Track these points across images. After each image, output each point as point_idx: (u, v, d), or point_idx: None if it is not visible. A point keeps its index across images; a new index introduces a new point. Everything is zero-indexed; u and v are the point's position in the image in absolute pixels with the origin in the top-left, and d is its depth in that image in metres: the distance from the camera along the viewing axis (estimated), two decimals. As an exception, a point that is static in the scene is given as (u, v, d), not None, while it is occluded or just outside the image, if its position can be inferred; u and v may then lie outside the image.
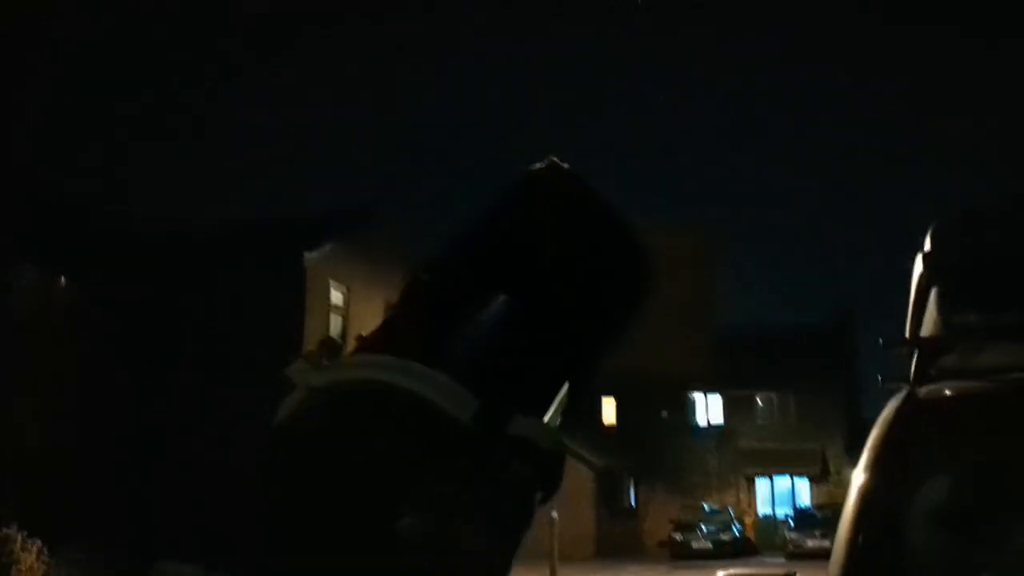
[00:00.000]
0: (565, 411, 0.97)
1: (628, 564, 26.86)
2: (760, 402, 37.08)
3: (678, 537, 30.63)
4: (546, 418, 0.92)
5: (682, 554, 29.41)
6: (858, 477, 2.36)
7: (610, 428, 34.86)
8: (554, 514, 22.86)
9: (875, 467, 2.33)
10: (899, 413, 2.52)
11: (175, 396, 17.30)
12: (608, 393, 35.36)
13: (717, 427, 37.25)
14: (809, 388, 34.10)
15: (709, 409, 37.98)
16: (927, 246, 3.06)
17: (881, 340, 3.51)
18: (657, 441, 34.97)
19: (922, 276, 3.10)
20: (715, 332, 36.62)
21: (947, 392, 2.67)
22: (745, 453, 35.58)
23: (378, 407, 0.72)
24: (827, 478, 33.85)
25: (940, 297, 3.05)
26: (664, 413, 36.61)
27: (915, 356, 3.33)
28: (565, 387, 0.93)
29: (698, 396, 38.00)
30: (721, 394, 37.51)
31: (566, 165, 1.00)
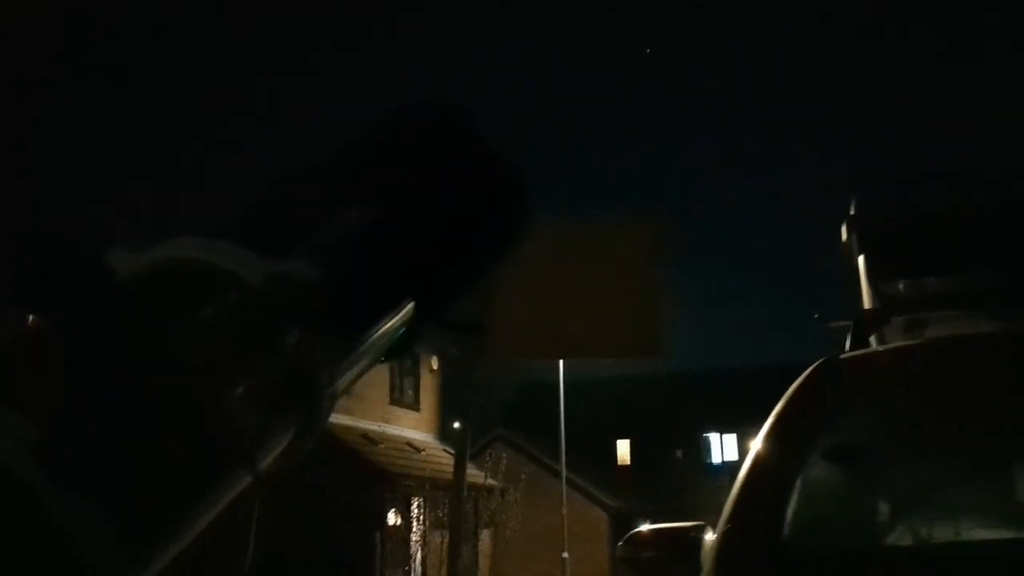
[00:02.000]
0: (410, 328, 0.98)
1: (644, 606, 26.37)
2: (775, 439, 36.54)
3: (696, 579, 30.10)
4: (381, 327, 0.92)
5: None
6: (763, 430, 2.34)
7: (624, 468, 34.54)
8: (565, 555, 22.54)
9: (778, 418, 2.31)
10: (810, 375, 2.52)
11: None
12: (622, 433, 35.12)
13: (732, 465, 36.82)
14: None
15: (724, 447, 37.62)
16: (852, 210, 3.06)
17: (816, 315, 3.50)
18: (672, 480, 34.59)
19: (847, 244, 3.09)
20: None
21: (861, 354, 2.65)
22: (762, 492, 34.99)
23: (178, 281, 0.74)
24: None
25: (868, 265, 3.04)
26: (679, 452, 36.28)
27: (851, 329, 3.32)
28: (409, 304, 0.94)
29: (713, 435, 37.67)
30: (736, 432, 37.15)
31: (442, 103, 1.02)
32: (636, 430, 34.71)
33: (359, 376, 0.97)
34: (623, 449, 35.60)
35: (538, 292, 3.58)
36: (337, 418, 19.02)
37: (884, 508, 2.04)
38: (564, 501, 23.36)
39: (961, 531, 1.76)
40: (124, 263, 0.77)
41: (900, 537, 1.90)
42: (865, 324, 3.14)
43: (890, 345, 2.72)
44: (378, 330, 0.90)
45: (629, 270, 3.57)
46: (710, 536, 2.40)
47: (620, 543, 2.39)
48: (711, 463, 37.36)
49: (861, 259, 2.96)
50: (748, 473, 2.11)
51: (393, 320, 0.91)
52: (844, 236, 3.02)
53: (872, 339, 3.16)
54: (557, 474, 24.92)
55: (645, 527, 2.46)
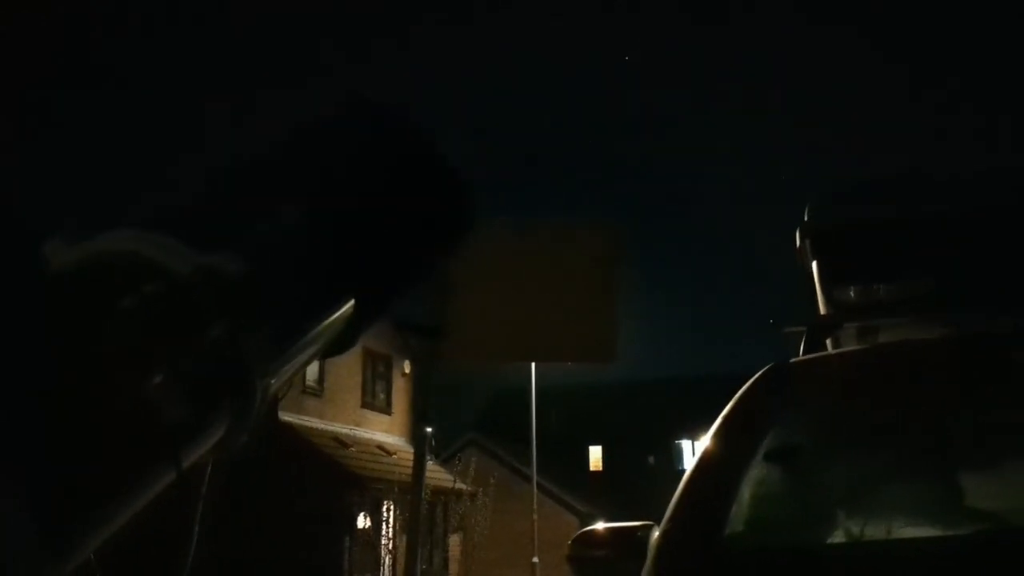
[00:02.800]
0: (351, 326, 0.98)
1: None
2: (746, 446, 36.72)
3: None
4: (320, 323, 0.93)
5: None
6: (710, 431, 2.38)
7: (596, 474, 34.61)
8: (535, 559, 22.60)
9: (726, 420, 2.35)
10: (759, 379, 2.56)
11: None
12: (595, 439, 35.20)
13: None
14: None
15: (696, 454, 37.72)
16: (805, 216, 3.11)
17: (772, 321, 3.54)
18: (643, 487, 34.65)
19: (801, 250, 3.14)
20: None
21: (810, 359, 2.70)
22: (732, 498, 35.12)
23: (107, 273, 0.75)
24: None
25: (821, 272, 3.09)
26: (651, 459, 36.38)
27: (805, 335, 3.37)
28: (350, 302, 0.95)
29: (685, 442, 37.82)
30: (707, 439, 37.27)
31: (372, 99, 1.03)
32: (608, 436, 34.83)
33: (298, 371, 0.98)
34: (595, 455, 35.70)
35: (493, 295, 3.61)
36: (308, 420, 18.92)
37: (824, 507, 2.09)
38: (535, 507, 23.37)
39: (895, 529, 1.80)
40: (59, 254, 0.78)
41: (837, 535, 1.94)
42: (818, 330, 3.20)
43: (836, 350, 2.77)
44: (317, 326, 0.91)
45: (585, 274, 3.62)
46: (657, 532, 2.43)
47: (570, 541, 2.42)
48: (682, 469, 37.27)
49: (814, 265, 3.01)
50: (693, 472, 2.15)
51: (332, 316, 0.92)
52: (798, 243, 3.07)
53: (828, 344, 3.21)
54: (529, 479, 24.96)
55: (596, 526, 2.49)
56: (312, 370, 20.65)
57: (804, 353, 3.31)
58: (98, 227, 0.81)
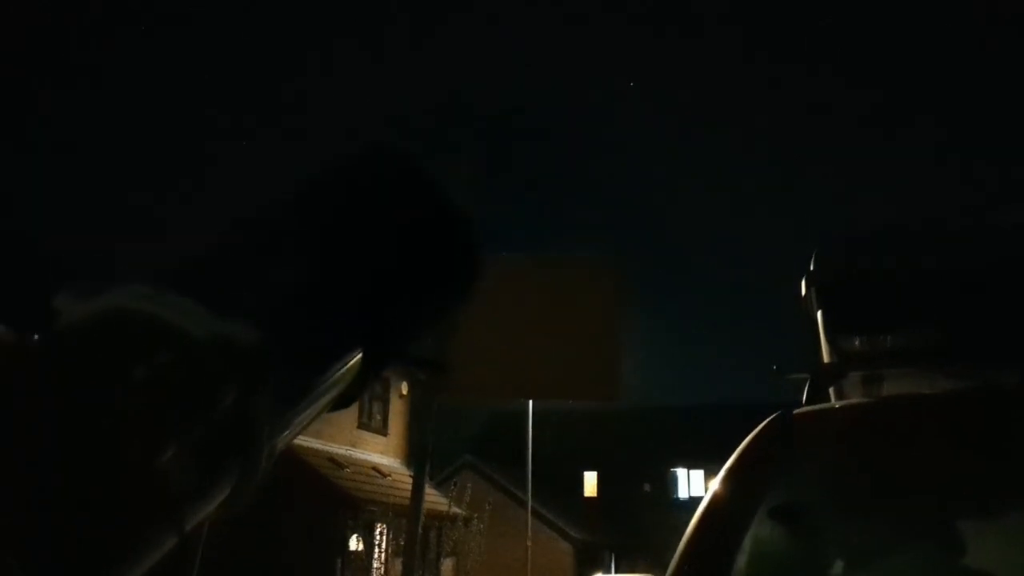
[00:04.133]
0: (358, 379, 0.97)
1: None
2: (743, 477, 36.67)
3: (658, 614, 30.02)
4: (328, 379, 0.91)
5: (661, 632, 28.72)
6: (714, 483, 2.35)
7: (591, 500, 34.46)
8: (528, 585, 22.45)
9: (730, 473, 2.32)
10: (763, 430, 2.53)
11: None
12: (590, 466, 35.08)
13: (699, 501, 36.73)
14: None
15: (691, 483, 37.67)
16: (811, 266, 3.09)
17: (775, 367, 3.52)
18: (639, 514, 34.54)
19: (806, 299, 3.13)
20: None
21: (814, 410, 2.67)
22: (727, 529, 35.01)
23: (120, 333, 0.73)
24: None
25: (825, 321, 3.07)
26: (646, 487, 36.26)
27: (808, 382, 3.35)
28: (358, 355, 0.93)
29: (680, 471, 37.71)
30: (703, 468, 37.21)
31: (392, 149, 1.01)
32: (604, 463, 34.71)
33: (305, 427, 0.97)
34: (590, 481, 35.54)
35: (494, 332, 3.60)
36: (305, 440, 18.84)
37: (830, 570, 2.06)
38: (529, 533, 23.21)
39: None
40: (69, 308, 0.76)
41: None
42: (822, 378, 3.18)
43: (843, 402, 2.74)
44: (324, 382, 0.89)
45: (588, 311, 3.60)
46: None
47: None
48: (678, 498, 37.38)
49: (819, 314, 2.99)
50: (695, 528, 2.12)
51: (340, 371, 0.91)
52: (803, 291, 3.06)
53: (831, 392, 3.19)
54: (524, 504, 24.80)
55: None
56: (309, 389, 20.55)
57: (807, 401, 3.29)
58: (107, 279, 0.79)
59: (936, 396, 2.55)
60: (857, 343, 3.03)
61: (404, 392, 23.14)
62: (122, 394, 0.69)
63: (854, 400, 2.80)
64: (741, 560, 2.04)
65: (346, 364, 0.90)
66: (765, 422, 2.61)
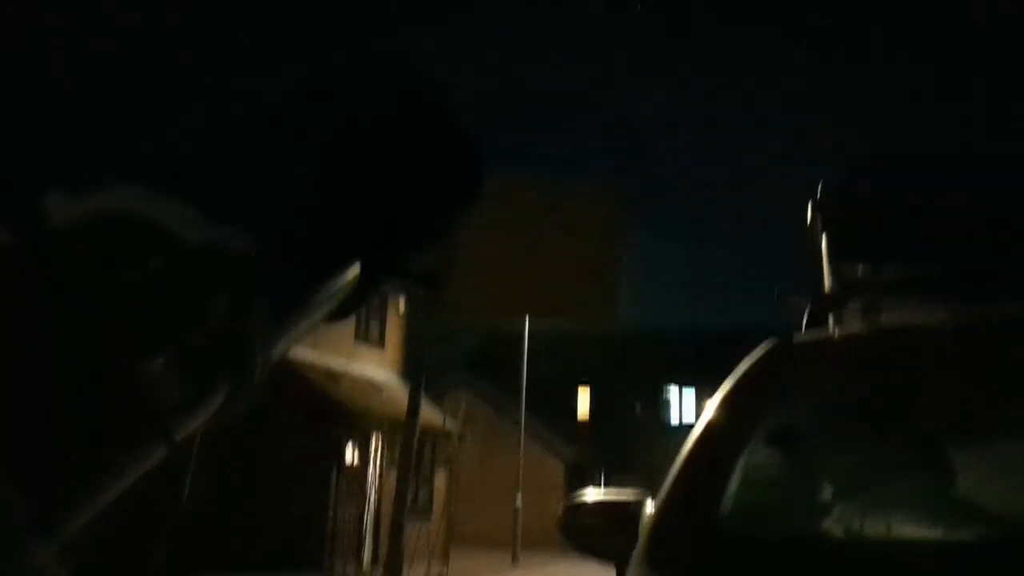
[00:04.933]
0: (355, 290, 0.94)
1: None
2: (734, 400, 37.13)
3: (645, 531, 30.68)
4: (325, 290, 0.88)
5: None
6: (709, 407, 2.36)
7: (583, 420, 34.93)
8: (518, 503, 22.92)
9: (726, 398, 2.32)
10: (761, 356, 2.53)
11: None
12: (582, 385, 35.45)
13: (690, 424, 37.30)
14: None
15: (683, 404, 38.14)
16: (818, 195, 3.06)
17: (776, 291, 3.51)
18: (629, 435, 35.05)
19: (812, 225, 3.09)
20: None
21: (814, 338, 2.67)
22: (717, 450, 35.58)
23: (111, 236, 0.70)
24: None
25: (829, 248, 3.05)
26: (638, 407, 36.71)
27: (807, 307, 3.34)
28: (356, 266, 0.90)
29: (672, 388, 38.14)
30: (695, 389, 37.65)
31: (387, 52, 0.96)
32: (597, 383, 35.05)
33: (301, 339, 0.95)
34: (583, 401, 35.96)
35: (494, 252, 3.57)
36: (301, 353, 18.97)
37: (822, 497, 2.06)
38: (521, 450, 23.60)
39: (893, 526, 1.78)
40: (60, 208, 0.73)
41: (834, 528, 1.92)
42: (822, 305, 3.17)
43: (842, 331, 2.73)
44: (321, 293, 0.87)
45: (586, 236, 3.57)
46: (650, 506, 2.42)
47: (562, 509, 2.41)
48: (669, 419, 37.93)
49: (823, 241, 2.97)
50: (690, 451, 2.12)
51: (337, 283, 0.88)
52: (809, 217, 3.02)
53: (830, 319, 3.19)
54: (516, 421, 25.14)
55: (587, 496, 2.48)
56: (306, 303, 20.60)
57: (806, 327, 3.28)
58: (101, 180, 0.76)
59: (939, 328, 2.54)
60: (860, 272, 3.01)
61: (401, 308, 23.21)
62: (110, 301, 0.67)
63: (854, 329, 2.79)
64: (733, 484, 2.05)
65: (344, 274, 0.88)
66: (763, 347, 2.60)
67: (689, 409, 37.99)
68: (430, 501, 19.96)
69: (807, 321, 3.36)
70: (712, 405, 2.30)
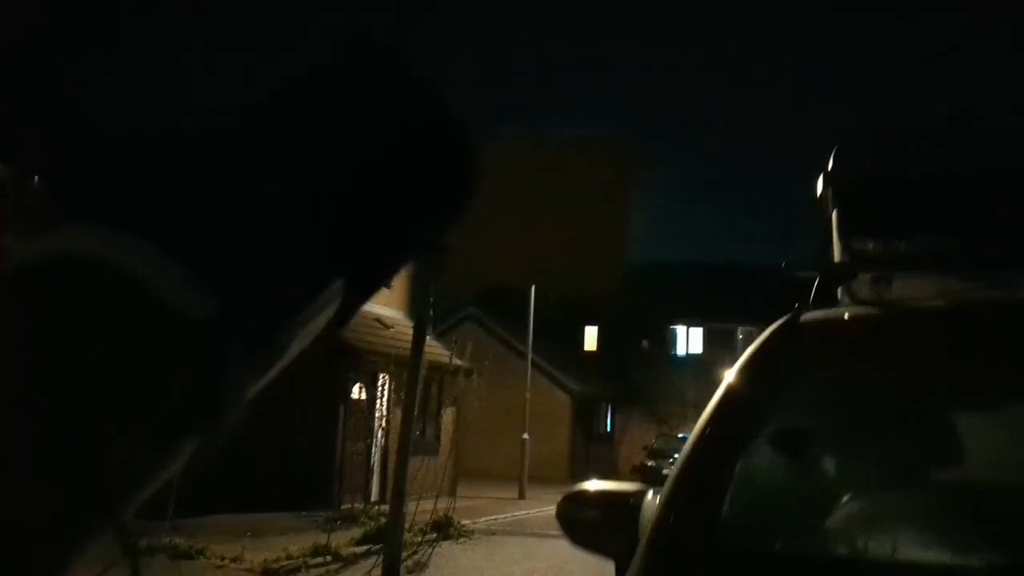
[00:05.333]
0: (341, 310, 0.86)
1: (599, 488, 27.24)
2: (740, 335, 37.33)
3: (650, 463, 31.07)
4: (307, 317, 0.81)
5: (653, 480, 29.85)
6: (729, 375, 2.29)
7: (590, 354, 35.09)
8: (525, 436, 23.14)
9: (745, 370, 2.25)
10: (778, 331, 2.46)
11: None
12: (591, 321, 35.54)
13: (696, 358, 37.52)
14: (790, 324, 34.13)
15: (690, 340, 38.31)
16: (830, 166, 2.94)
17: (784, 264, 3.42)
18: (636, 370, 35.28)
19: (823, 197, 2.99)
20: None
21: (823, 318, 2.58)
22: (723, 385, 35.90)
23: (79, 285, 0.61)
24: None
25: (840, 221, 2.94)
26: (645, 343, 36.88)
27: (816, 280, 3.25)
28: (339, 283, 0.82)
29: (679, 327, 38.27)
30: (702, 326, 37.77)
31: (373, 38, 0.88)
32: (604, 318, 35.10)
33: (280, 370, 0.88)
34: (590, 336, 36.07)
35: (496, 216, 3.47)
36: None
37: (832, 501, 1.99)
38: (528, 385, 23.75)
39: (902, 546, 1.70)
40: (15, 252, 0.65)
41: (841, 543, 1.85)
42: (832, 277, 3.08)
43: (854, 309, 2.64)
44: (303, 320, 0.80)
45: (594, 197, 3.46)
46: (650, 498, 2.37)
47: (560, 499, 2.35)
48: (676, 354, 38.15)
49: (834, 215, 2.86)
50: (692, 451, 2.05)
51: (319, 309, 0.81)
52: (820, 189, 2.91)
53: (839, 292, 3.11)
54: (523, 356, 25.26)
55: (587, 486, 2.42)
56: (312, 240, 20.58)
57: (814, 299, 3.21)
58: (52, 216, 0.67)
59: (955, 309, 2.45)
60: (871, 246, 2.91)
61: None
62: (64, 368, 0.59)
63: (866, 306, 2.71)
64: (738, 485, 1.99)
65: (328, 297, 0.80)
66: (770, 331, 2.52)
67: (696, 343, 38.18)
68: (437, 437, 20.15)
69: (815, 292, 3.28)
70: (718, 395, 2.22)
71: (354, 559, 10.73)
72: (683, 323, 38.20)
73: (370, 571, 9.79)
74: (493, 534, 14.49)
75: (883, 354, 2.34)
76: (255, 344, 0.74)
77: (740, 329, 37.18)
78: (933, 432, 2.19)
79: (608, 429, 35.65)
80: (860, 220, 2.89)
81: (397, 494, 8.83)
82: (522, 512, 18.45)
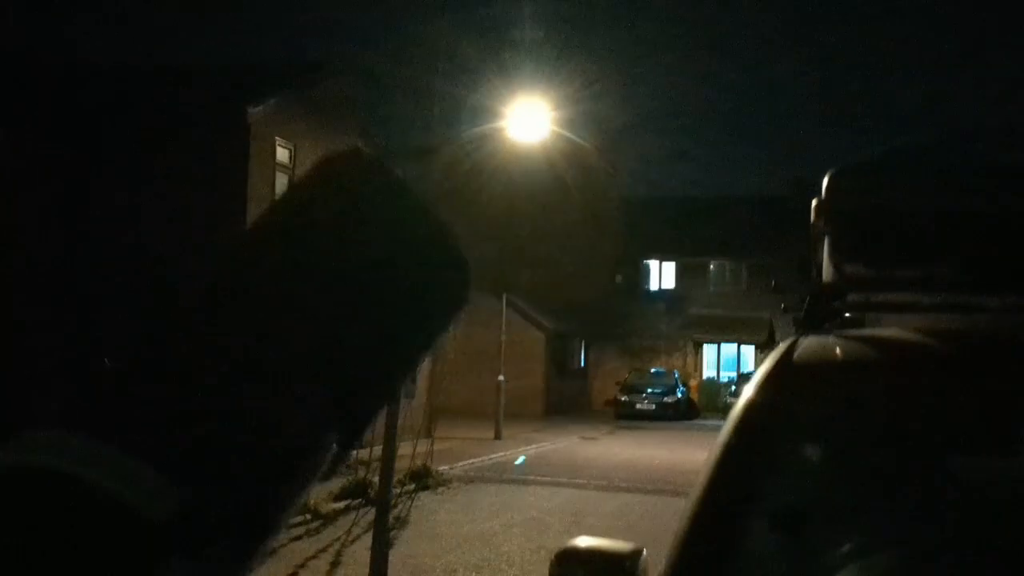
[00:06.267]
0: (335, 459, 0.80)
1: (572, 423, 27.62)
2: (713, 268, 37.57)
3: (623, 398, 31.47)
4: (300, 492, 0.74)
5: (626, 414, 30.32)
6: (747, 391, 2.28)
7: (564, 290, 35.17)
8: (501, 378, 23.27)
9: (760, 391, 2.24)
10: (784, 355, 2.45)
11: (108, 254, 16.95)
12: (564, 256, 35.56)
13: (669, 293, 37.78)
14: (761, 257, 34.39)
15: (663, 275, 38.49)
16: (823, 193, 2.88)
17: (773, 283, 3.38)
18: (611, 305, 35.48)
19: (815, 223, 2.93)
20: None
21: (822, 346, 2.56)
22: (695, 319, 36.25)
23: (23, 499, 0.57)
24: (772, 346, 34.68)
25: (832, 247, 2.90)
26: (618, 277, 37.02)
27: (807, 301, 3.23)
28: (333, 443, 0.76)
29: (653, 262, 38.40)
30: (675, 260, 37.94)
31: (368, 150, 0.80)
32: (578, 254, 35.13)
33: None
34: (564, 272, 36.13)
35: (490, 230, 3.38)
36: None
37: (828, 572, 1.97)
38: (503, 326, 23.81)
39: None
40: None
41: None
42: (822, 299, 3.07)
43: (846, 333, 2.64)
44: (288, 493, 0.74)
45: (575, 208, 3.38)
46: (644, 559, 2.35)
47: (553, 557, 2.31)
48: (649, 289, 38.37)
49: (827, 241, 2.82)
50: (690, 521, 2.01)
51: (308, 475, 0.75)
52: (813, 216, 2.87)
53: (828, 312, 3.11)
54: (498, 295, 25.21)
55: (579, 543, 2.38)
56: (281, 184, 20.30)
57: (804, 318, 3.19)
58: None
59: (945, 340, 2.44)
60: (863, 271, 2.88)
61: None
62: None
63: (861, 329, 2.71)
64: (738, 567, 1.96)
65: (320, 457, 0.74)
66: (783, 348, 2.52)
67: (669, 278, 38.38)
68: (414, 380, 20.21)
69: (806, 311, 3.26)
70: (714, 455, 2.17)
71: (335, 516, 10.80)
72: (656, 258, 38.33)
73: (350, 529, 9.86)
74: (471, 482, 14.65)
75: (884, 385, 2.31)
76: (243, 523, 0.68)
77: (713, 263, 37.44)
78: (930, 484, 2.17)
79: (582, 364, 35.97)
80: (851, 248, 2.86)
81: (387, 457, 8.83)
82: (499, 454, 18.65)
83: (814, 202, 2.89)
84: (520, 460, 11.81)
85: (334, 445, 0.74)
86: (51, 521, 0.57)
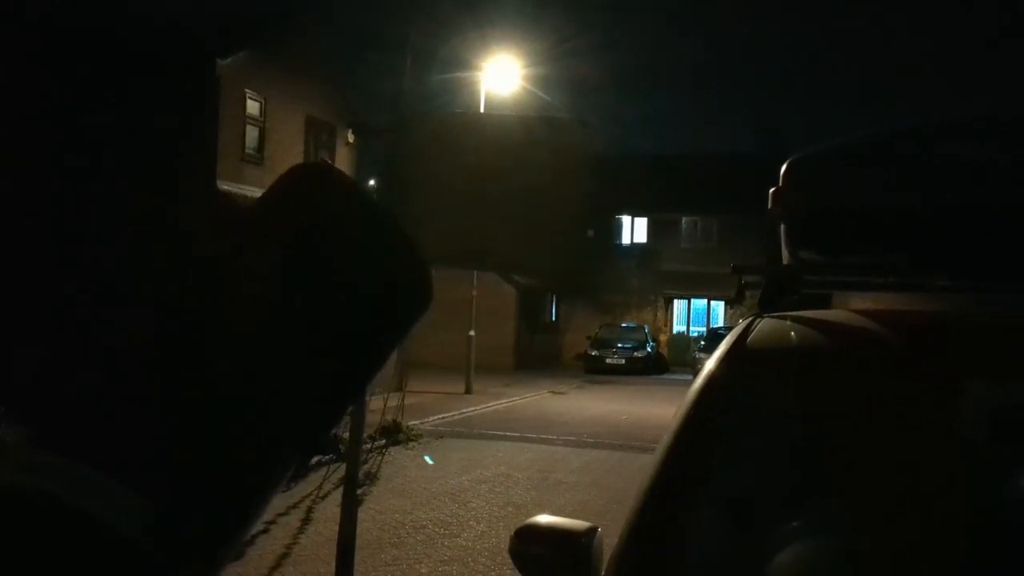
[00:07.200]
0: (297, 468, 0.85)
1: (542, 377, 27.84)
2: (684, 224, 37.70)
3: (593, 352, 31.73)
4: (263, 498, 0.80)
5: (596, 368, 30.60)
6: (709, 364, 2.38)
7: (536, 244, 35.18)
8: (472, 333, 23.38)
9: (716, 372, 2.33)
10: (740, 337, 2.53)
11: (71, 208, 16.73)
12: (537, 211, 35.49)
13: (641, 248, 37.92)
14: (732, 213, 34.54)
15: (635, 231, 38.59)
16: (779, 182, 2.96)
17: (732, 266, 3.46)
18: (581, 259, 35.57)
19: (772, 209, 3.01)
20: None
21: (776, 328, 2.63)
22: (666, 275, 36.47)
23: (19, 525, 0.58)
24: (742, 302, 34.88)
25: (787, 235, 2.98)
26: (590, 232, 37.07)
27: (764, 284, 3.30)
28: (294, 455, 0.80)
29: (625, 218, 38.47)
30: (647, 216, 38.02)
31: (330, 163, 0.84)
32: (551, 209, 35.07)
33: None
34: (536, 226, 36.09)
35: (451, 198, 3.41)
36: (248, 189, 18.65)
37: (771, 552, 2.08)
38: (475, 283, 23.83)
39: None
40: None
41: None
42: (778, 282, 3.15)
43: (804, 314, 2.72)
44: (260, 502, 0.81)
45: (553, 184, 3.42)
46: (599, 537, 2.44)
47: (513, 534, 2.41)
48: (621, 244, 38.48)
49: (783, 228, 2.90)
50: (641, 505, 2.10)
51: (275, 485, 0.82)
52: (770, 203, 2.94)
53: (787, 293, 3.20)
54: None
55: (538, 520, 2.48)
56: (252, 137, 20.08)
57: (761, 300, 3.26)
58: None
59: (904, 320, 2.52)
60: (818, 260, 2.96)
61: (351, 140, 22.72)
62: None
63: (818, 311, 2.81)
64: (692, 556, 2.06)
65: (281, 472, 0.80)
66: (741, 329, 2.61)
67: (641, 233, 38.48)
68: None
69: (763, 294, 3.34)
70: (669, 437, 2.26)
71: (303, 472, 10.89)
72: (628, 213, 38.39)
73: (321, 485, 9.93)
74: (441, 437, 14.78)
75: (845, 372, 2.38)
76: (221, 536, 0.74)
77: (684, 219, 37.54)
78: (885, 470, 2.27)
79: (553, 318, 36.15)
80: (804, 236, 2.93)
81: (357, 415, 8.89)
82: (470, 409, 18.82)
83: (771, 190, 2.97)
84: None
85: (295, 455, 0.79)
86: (21, 538, 0.61)
